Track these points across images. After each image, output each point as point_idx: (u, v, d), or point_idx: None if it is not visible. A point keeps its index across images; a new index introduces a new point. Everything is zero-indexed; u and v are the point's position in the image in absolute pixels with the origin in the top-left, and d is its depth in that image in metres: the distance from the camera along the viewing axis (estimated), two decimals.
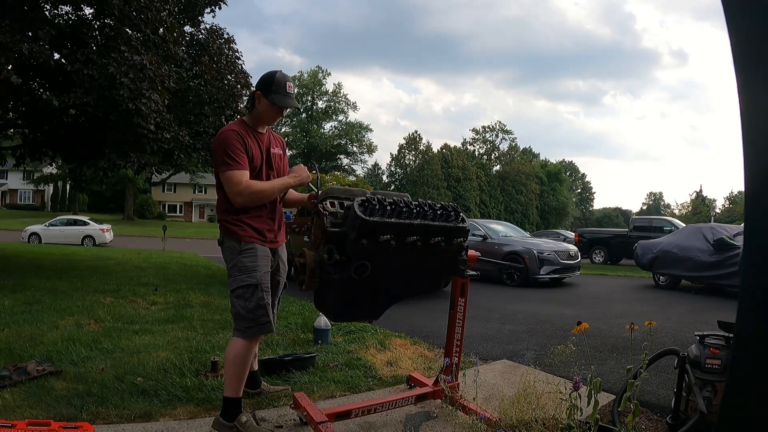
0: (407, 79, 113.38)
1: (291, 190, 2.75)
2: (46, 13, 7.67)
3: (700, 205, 64.38)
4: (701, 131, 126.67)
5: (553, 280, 9.65)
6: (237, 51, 9.97)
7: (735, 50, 0.99)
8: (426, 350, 4.01)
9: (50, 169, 37.46)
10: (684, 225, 13.69)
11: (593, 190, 79.33)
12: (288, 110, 2.63)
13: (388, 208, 2.04)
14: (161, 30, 7.96)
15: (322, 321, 3.99)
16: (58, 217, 23.51)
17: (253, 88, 2.68)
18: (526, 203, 56.82)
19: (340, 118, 58.11)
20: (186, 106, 8.94)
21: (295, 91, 2.73)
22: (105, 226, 21.65)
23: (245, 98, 3.27)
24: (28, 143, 9.96)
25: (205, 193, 52.40)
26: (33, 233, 20.82)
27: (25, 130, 9.98)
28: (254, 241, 2.41)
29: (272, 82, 2.49)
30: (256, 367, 2.81)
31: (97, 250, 16.80)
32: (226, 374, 2.39)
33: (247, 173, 2.33)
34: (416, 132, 64.35)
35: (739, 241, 8.11)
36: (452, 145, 57.07)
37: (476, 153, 64.21)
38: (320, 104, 57.46)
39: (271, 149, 2.56)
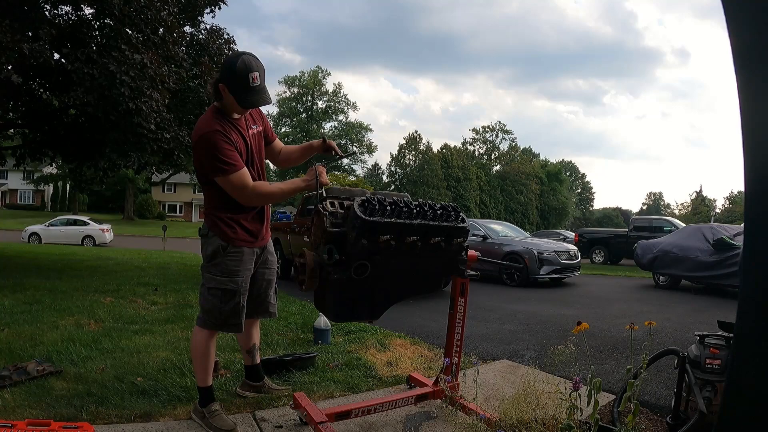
0: (406, 78, 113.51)
1: (289, 148, 2.68)
2: (46, 13, 7.68)
3: (700, 205, 64.38)
4: (701, 131, 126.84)
5: (553, 280, 9.65)
6: (239, 50, 9.98)
7: (735, 50, 0.99)
8: (426, 350, 4.01)
9: (50, 169, 37.48)
10: (684, 225, 13.69)
11: (593, 190, 79.42)
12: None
13: (388, 208, 2.03)
14: (161, 30, 7.97)
15: (322, 321, 3.99)
16: (58, 217, 23.56)
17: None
18: (526, 203, 56.82)
19: (340, 118, 58.18)
20: (186, 106, 8.95)
21: (262, 81, 2.22)
22: (105, 226, 21.68)
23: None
24: (28, 143, 9.97)
25: None
26: (33, 233, 20.86)
27: (25, 130, 10.00)
28: (243, 245, 2.38)
29: (233, 75, 2.17)
30: (258, 360, 2.82)
31: (97, 250, 16.81)
32: (193, 365, 2.49)
33: (246, 172, 2.26)
34: (416, 132, 64.45)
35: (739, 241, 8.10)
36: (452, 145, 57.15)
37: (476, 153, 64.21)
38: (320, 104, 57.50)
39: (250, 131, 2.40)
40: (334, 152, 2.54)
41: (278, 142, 2.69)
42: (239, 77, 2.18)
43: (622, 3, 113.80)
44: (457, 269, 2.44)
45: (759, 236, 1.03)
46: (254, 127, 2.44)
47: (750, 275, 1.06)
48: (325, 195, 2.19)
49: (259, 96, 2.25)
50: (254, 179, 2.35)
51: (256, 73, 2.19)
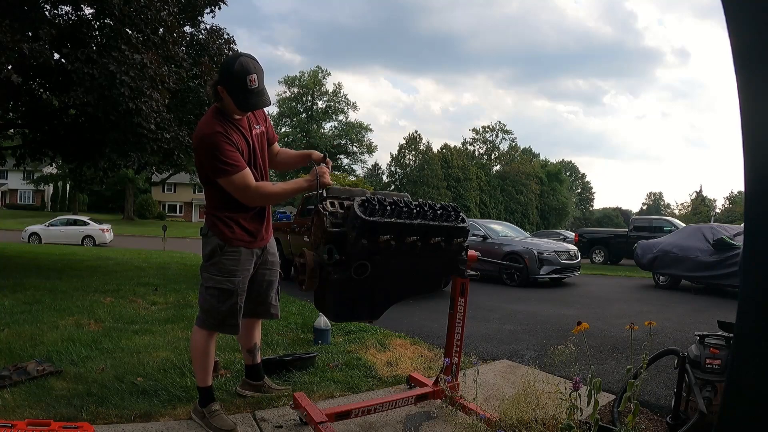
0: (406, 78, 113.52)
1: (287, 152, 2.68)
2: (46, 13, 7.68)
3: (700, 205, 64.40)
4: (701, 131, 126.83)
5: (553, 280, 9.65)
6: (237, 51, 9.98)
7: (735, 50, 0.99)
8: (426, 350, 4.01)
9: (50, 169, 37.47)
10: (684, 225, 13.69)
11: (593, 190, 79.40)
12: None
13: (388, 208, 2.03)
14: (161, 30, 7.96)
15: (322, 321, 3.99)
16: (58, 217, 23.56)
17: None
18: (526, 203, 56.80)
19: (340, 118, 58.16)
20: (186, 106, 8.95)
21: (260, 83, 2.21)
22: (105, 226, 21.68)
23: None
24: (28, 143, 9.97)
25: None
26: (33, 233, 20.86)
27: (25, 130, 10.00)
28: (241, 245, 2.38)
29: (231, 77, 2.17)
30: (258, 360, 2.82)
31: (97, 250, 16.81)
32: (192, 365, 2.50)
33: (248, 172, 2.26)
34: (416, 132, 64.42)
35: (739, 241, 8.10)
36: (452, 145, 57.14)
37: (476, 153, 64.19)
38: (320, 104, 57.48)
39: (253, 131, 2.39)
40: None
41: (277, 145, 2.69)
42: (237, 80, 2.17)
43: (622, 3, 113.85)
44: (457, 269, 2.44)
45: (759, 236, 1.03)
46: (257, 127, 2.44)
47: (750, 275, 1.06)
48: (325, 195, 2.19)
49: (258, 98, 2.24)
50: (257, 179, 2.35)
51: (254, 76, 2.19)
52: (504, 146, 65.51)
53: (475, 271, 2.53)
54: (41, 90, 8.31)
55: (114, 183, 39.92)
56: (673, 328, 5.30)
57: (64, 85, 7.32)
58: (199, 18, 9.71)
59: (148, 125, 7.03)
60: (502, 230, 11.04)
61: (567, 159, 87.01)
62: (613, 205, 76.53)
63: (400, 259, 2.15)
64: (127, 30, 7.39)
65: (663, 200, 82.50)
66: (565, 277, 9.87)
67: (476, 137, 65.52)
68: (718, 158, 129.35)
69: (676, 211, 69.10)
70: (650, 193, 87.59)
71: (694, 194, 68.60)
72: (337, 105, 57.72)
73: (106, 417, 2.42)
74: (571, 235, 22.26)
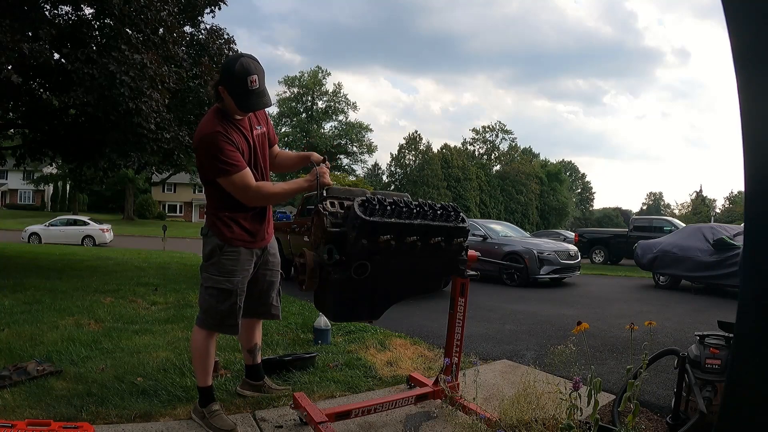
0: (406, 78, 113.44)
1: (286, 153, 2.69)
2: (46, 13, 7.67)
3: (700, 205, 64.42)
4: (701, 131, 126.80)
5: (553, 280, 9.65)
6: (237, 51, 9.98)
7: (735, 50, 0.99)
8: (426, 350, 4.01)
9: (50, 169, 37.46)
10: (684, 225, 13.69)
11: (593, 190, 79.42)
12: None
13: (388, 208, 2.03)
14: (161, 30, 7.96)
15: (322, 321, 3.99)
16: (58, 217, 23.57)
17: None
18: (526, 203, 56.81)
19: (340, 118, 58.16)
20: (186, 106, 8.95)
21: (261, 84, 2.21)
22: (105, 226, 21.70)
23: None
24: (28, 143, 9.97)
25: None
26: (33, 233, 20.87)
27: (25, 130, 10.00)
28: (241, 245, 2.38)
29: (232, 77, 2.17)
30: (259, 360, 2.82)
31: (97, 250, 16.81)
32: (193, 365, 2.52)
33: (248, 172, 2.26)
34: (416, 132, 64.40)
35: (739, 241, 8.10)
36: (452, 145, 57.13)
37: (476, 153, 64.20)
38: (320, 104, 57.47)
39: (254, 132, 2.39)
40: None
41: (276, 147, 2.69)
42: (238, 80, 2.18)
43: (622, 3, 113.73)
44: (457, 269, 2.44)
45: (759, 236, 1.03)
46: (258, 127, 2.44)
47: (750, 275, 1.06)
48: (325, 195, 2.19)
49: (259, 99, 2.25)
50: (257, 180, 2.35)
51: (255, 77, 2.19)
52: (504, 146, 65.60)
53: (475, 271, 2.53)
54: (41, 90, 8.30)
55: (114, 183, 39.91)
56: (673, 328, 5.30)
57: (64, 85, 7.31)
58: (199, 18, 9.70)
59: (148, 125, 7.03)
60: (502, 230, 11.04)
61: (567, 159, 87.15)
62: (613, 205, 76.59)
63: (400, 259, 2.15)
64: (127, 30, 7.38)
65: (663, 200, 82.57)
66: (565, 277, 9.87)
67: (476, 137, 65.59)
68: (718, 158, 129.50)
69: (676, 211, 69.17)
70: (650, 193, 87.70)
71: (694, 194, 68.73)
72: (337, 105, 57.71)
73: (106, 417, 2.42)
74: (571, 235, 22.25)
